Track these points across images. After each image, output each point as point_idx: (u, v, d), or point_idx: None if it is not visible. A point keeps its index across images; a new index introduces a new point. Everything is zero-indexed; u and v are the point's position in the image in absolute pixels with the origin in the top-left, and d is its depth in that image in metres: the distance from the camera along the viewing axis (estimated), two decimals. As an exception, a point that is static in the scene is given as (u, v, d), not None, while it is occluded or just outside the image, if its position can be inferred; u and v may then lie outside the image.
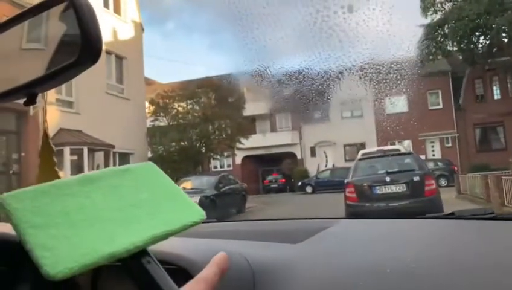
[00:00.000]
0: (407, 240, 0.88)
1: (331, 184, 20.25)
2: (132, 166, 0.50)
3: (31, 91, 0.58)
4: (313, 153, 27.61)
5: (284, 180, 26.18)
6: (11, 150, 12.21)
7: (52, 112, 12.61)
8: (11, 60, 0.62)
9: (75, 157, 12.86)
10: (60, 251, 0.37)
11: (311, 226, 1.00)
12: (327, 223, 1.03)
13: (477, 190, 12.14)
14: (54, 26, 0.57)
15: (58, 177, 0.63)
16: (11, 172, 12.10)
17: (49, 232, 0.39)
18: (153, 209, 0.44)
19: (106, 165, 14.72)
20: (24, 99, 0.60)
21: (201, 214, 0.46)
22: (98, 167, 14.30)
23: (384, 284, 0.59)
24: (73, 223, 0.40)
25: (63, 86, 12.45)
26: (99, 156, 14.52)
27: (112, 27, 15.85)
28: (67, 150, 12.38)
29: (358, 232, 0.99)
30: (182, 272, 0.65)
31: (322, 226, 0.96)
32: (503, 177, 10.21)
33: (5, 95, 0.60)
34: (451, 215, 1.08)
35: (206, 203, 11.61)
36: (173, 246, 0.73)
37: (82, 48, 0.48)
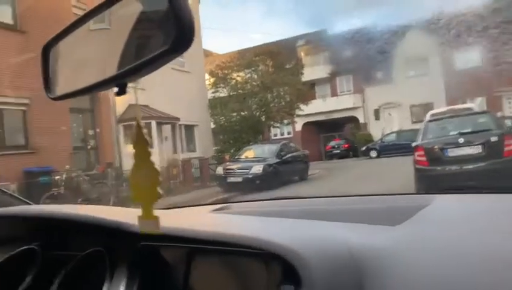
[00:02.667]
0: None
1: (397, 148, 19.48)
2: None
3: (121, 81, 0.58)
4: (376, 116, 26.60)
5: (347, 145, 25.60)
6: (87, 127, 13.13)
7: (120, 89, 13.27)
8: (101, 52, 0.62)
9: (145, 131, 13.52)
10: None
11: (406, 204, 0.93)
12: (423, 199, 0.95)
13: None
14: (143, 16, 0.55)
15: (155, 170, 0.63)
16: (88, 147, 13.06)
17: None
18: None
19: (173, 137, 15.37)
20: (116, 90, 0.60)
21: None
22: (166, 139, 14.97)
23: (503, 274, 0.53)
24: None
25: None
26: (167, 128, 15.15)
27: (169, 1, 16.05)
28: (137, 125, 13.06)
29: (464, 211, 0.90)
30: (278, 257, 0.62)
31: (419, 203, 0.89)
32: None
33: (97, 86, 0.60)
34: None
35: (269, 171, 11.73)
36: (263, 230, 0.71)
37: (176, 36, 0.46)
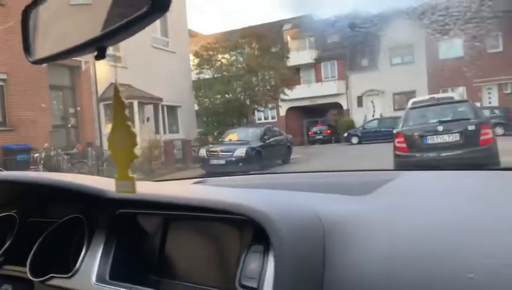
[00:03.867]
0: (474, 194, 0.84)
1: (378, 135, 19.75)
2: None
3: (100, 45, 0.59)
4: (359, 102, 26.83)
5: (329, 131, 25.84)
6: (67, 105, 12.85)
7: (102, 67, 12.99)
8: (80, 15, 0.63)
9: (126, 111, 13.32)
10: None
11: (374, 178, 0.98)
12: (390, 175, 1.00)
13: (539, 139, 11.38)
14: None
15: (132, 133, 0.65)
16: (69, 125, 12.82)
17: None
18: None
19: (156, 118, 15.20)
20: (95, 54, 0.61)
21: None
22: (148, 119, 14.80)
23: (457, 241, 0.57)
24: None
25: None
26: (149, 109, 14.96)
27: (154, -22, 15.64)
28: (118, 104, 12.85)
29: (425, 185, 0.96)
30: (250, 223, 0.65)
31: (385, 178, 0.94)
32: None
33: (77, 49, 0.61)
34: None
35: (252, 154, 11.78)
36: (238, 197, 0.74)
37: None
